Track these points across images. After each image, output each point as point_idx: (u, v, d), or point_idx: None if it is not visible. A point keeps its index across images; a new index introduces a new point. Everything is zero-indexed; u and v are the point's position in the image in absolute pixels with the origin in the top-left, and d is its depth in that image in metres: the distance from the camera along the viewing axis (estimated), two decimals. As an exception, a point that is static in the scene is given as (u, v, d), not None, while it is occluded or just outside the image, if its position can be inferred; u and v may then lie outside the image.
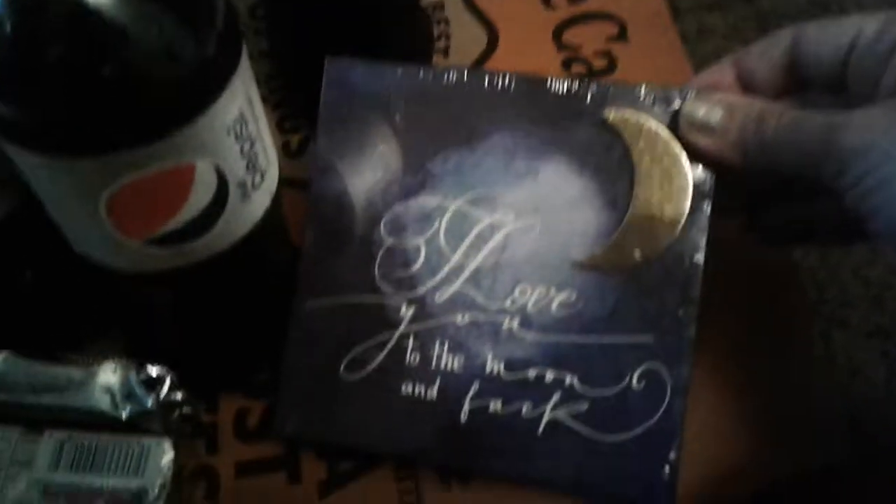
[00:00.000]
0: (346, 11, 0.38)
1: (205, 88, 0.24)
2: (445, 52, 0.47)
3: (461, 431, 0.34)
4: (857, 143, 0.27)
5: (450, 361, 0.34)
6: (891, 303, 0.43)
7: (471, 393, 0.34)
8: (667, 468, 0.33)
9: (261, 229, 0.30)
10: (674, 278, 0.33)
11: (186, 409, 0.34)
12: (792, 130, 0.29)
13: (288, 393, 0.35)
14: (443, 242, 0.34)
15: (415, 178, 0.34)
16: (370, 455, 0.36)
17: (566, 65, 0.47)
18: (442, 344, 0.34)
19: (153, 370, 0.33)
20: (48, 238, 0.29)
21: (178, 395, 0.33)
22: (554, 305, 0.33)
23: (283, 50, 0.43)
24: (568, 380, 0.33)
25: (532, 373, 0.33)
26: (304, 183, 0.41)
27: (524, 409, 0.33)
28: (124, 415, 0.33)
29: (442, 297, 0.34)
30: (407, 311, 0.34)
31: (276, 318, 0.35)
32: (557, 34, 0.47)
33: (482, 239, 0.34)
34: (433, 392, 0.34)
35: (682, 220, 0.32)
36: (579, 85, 0.33)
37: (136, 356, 0.34)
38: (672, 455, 0.33)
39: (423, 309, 0.34)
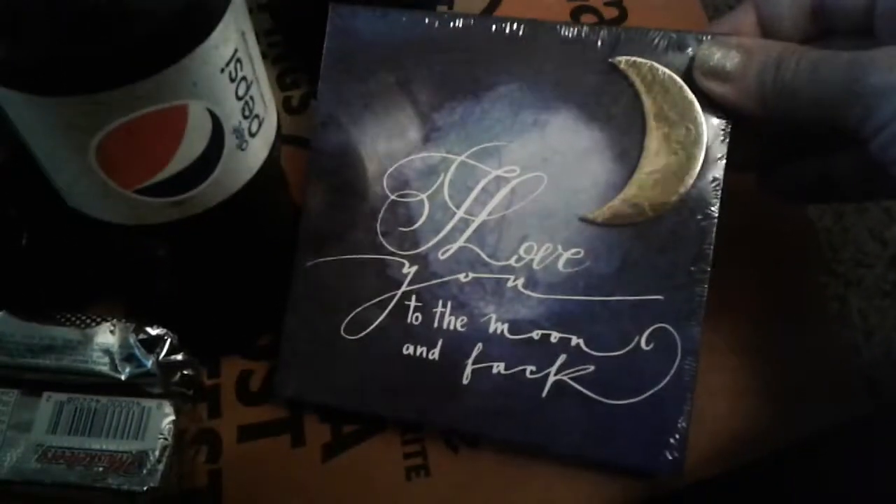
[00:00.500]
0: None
1: (196, 22, 0.24)
2: (450, 4, 0.46)
3: (463, 394, 0.33)
4: (884, 82, 0.25)
5: (452, 322, 0.33)
6: (907, 263, 0.42)
7: (473, 354, 0.33)
8: (676, 435, 0.32)
9: (259, 181, 0.29)
10: (686, 234, 0.31)
11: (187, 371, 0.33)
12: (813, 72, 0.27)
13: (288, 355, 0.34)
14: (447, 197, 0.33)
15: (420, 130, 0.33)
16: (374, 418, 0.35)
17: (575, 15, 0.46)
18: (444, 303, 0.33)
19: (153, 331, 0.33)
20: (42, 196, 0.28)
21: (179, 357, 0.33)
22: (560, 263, 0.32)
23: (282, 2, 0.42)
24: (574, 341, 0.32)
25: (537, 334, 0.32)
26: (305, 140, 0.41)
27: (528, 372, 0.32)
28: (123, 376, 0.32)
29: (446, 254, 0.33)
30: (409, 269, 0.33)
31: (278, 278, 0.35)
32: (566, -17, 0.46)
33: (487, 193, 0.33)
34: (435, 353, 0.33)
35: (696, 173, 0.31)
36: (589, 30, 0.32)
37: (136, 316, 0.33)
38: (681, 422, 0.32)
39: (425, 267, 0.33)
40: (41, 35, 0.22)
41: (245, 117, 0.27)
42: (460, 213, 0.33)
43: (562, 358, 0.32)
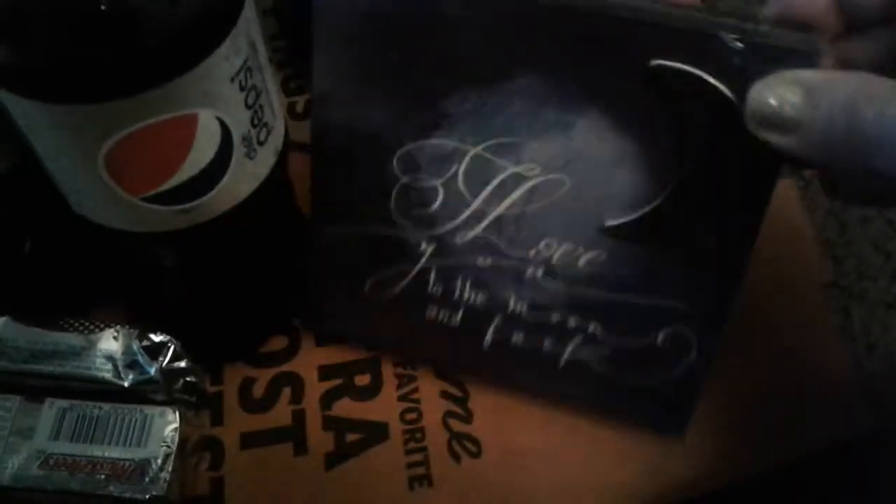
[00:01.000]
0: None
1: (208, 31, 0.24)
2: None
3: (484, 354, 0.34)
4: None
5: (472, 296, 0.33)
6: (910, 276, 0.42)
7: (493, 325, 0.33)
8: (686, 403, 0.33)
9: (266, 189, 0.29)
10: (719, 251, 0.29)
11: (190, 378, 0.33)
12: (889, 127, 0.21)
13: (319, 304, 0.35)
14: (462, 186, 0.31)
15: (427, 115, 0.30)
16: (378, 425, 0.35)
17: None
18: (464, 281, 0.33)
19: (156, 337, 0.32)
20: (48, 201, 0.28)
21: (182, 364, 0.33)
22: (581, 262, 0.31)
23: (287, 7, 0.42)
24: (591, 328, 0.32)
25: (555, 316, 0.32)
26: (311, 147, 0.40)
27: (545, 344, 0.33)
28: (126, 383, 0.32)
29: (463, 238, 0.32)
30: (427, 247, 0.32)
31: (283, 285, 0.34)
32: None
33: (505, 188, 0.30)
34: (456, 319, 0.33)
35: (740, 193, 0.28)
36: (630, 25, 0.26)
37: (139, 322, 0.33)
38: (692, 390, 0.32)
39: (443, 247, 0.32)
40: (52, 43, 0.22)
41: (254, 126, 0.27)
42: (477, 204, 0.31)
43: (578, 339, 0.33)
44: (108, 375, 0.32)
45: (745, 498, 0.33)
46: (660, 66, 0.26)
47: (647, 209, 0.29)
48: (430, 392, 0.36)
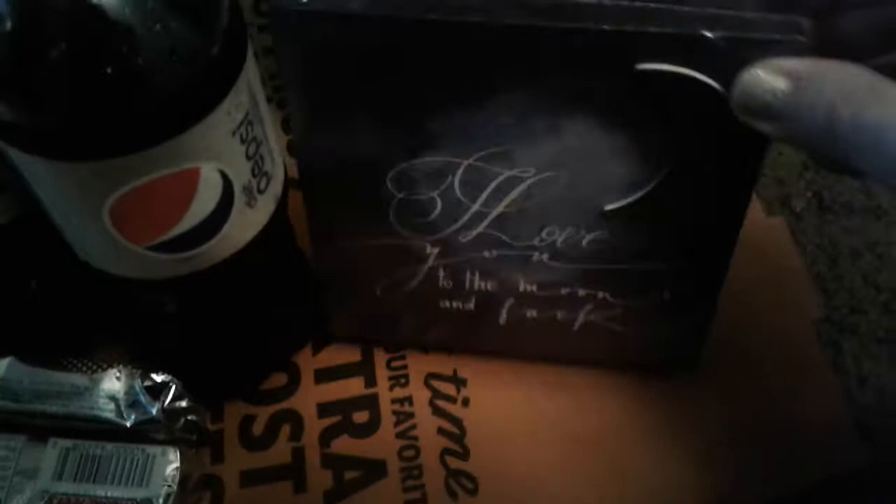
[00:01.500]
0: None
1: (210, 90, 0.24)
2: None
3: (500, 329, 0.35)
4: None
5: (483, 284, 0.34)
6: (901, 309, 0.42)
7: (506, 306, 0.35)
8: (697, 342, 0.35)
9: (266, 235, 0.30)
10: (714, 218, 0.30)
11: (191, 417, 0.33)
12: (874, 135, 0.21)
13: (333, 308, 0.37)
14: (459, 194, 0.31)
15: (416, 137, 0.29)
16: (376, 463, 0.35)
17: None
18: (473, 272, 0.34)
19: (158, 377, 0.33)
20: (52, 244, 0.29)
21: (183, 403, 0.33)
22: (584, 242, 0.32)
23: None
24: (600, 295, 0.34)
25: (565, 291, 0.34)
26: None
27: (559, 315, 0.35)
28: (129, 423, 0.33)
29: (467, 237, 0.32)
30: (433, 250, 0.33)
31: (283, 323, 0.35)
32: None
33: (501, 191, 0.31)
34: (470, 305, 0.35)
35: (727, 170, 0.29)
36: (610, 32, 0.26)
37: (141, 362, 0.33)
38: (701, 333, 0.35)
39: (448, 247, 0.33)
40: (58, 103, 0.23)
41: (254, 175, 0.28)
42: (476, 207, 0.31)
43: (589, 306, 0.34)
44: (111, 415, 0.33)
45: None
46: (646, 69, 0.26)
47: (642, 193, 0.30)
48: (428, 429, 0.36)
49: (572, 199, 0.30)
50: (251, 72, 0.26)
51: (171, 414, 0.33)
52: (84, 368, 0.34)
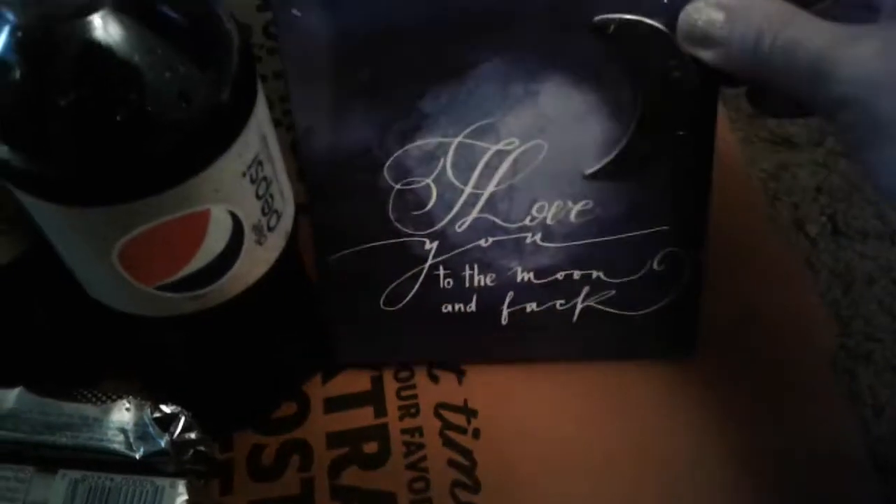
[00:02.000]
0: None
1: (220, 134, 0.24)
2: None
3: (503, 331, 0.36)
4: (842, 94, 0.25)
5: (482, 279, 0.35)
6: (917, 336, 0.42)
7: (507, 301, 0.36)
8: (689, 322, 0.36)
9: (276, 271, 0.30)
10: (686, 170, 0.33)
11: (201, 448, 0.33)
12: (788, 55, 0.26)
13: (335, 328, 0.37)
14: (452, 177, 0.33)
15: (407, 120, 0.32)
16: (386, 495, 0.35)
17: None
18: (471, 266, 0.35)
19: (167, 409, 0.33)
20: (63, 277, 0.29)
21: (193, 435, 0.33)
22: (572, 215, 0.34)
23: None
24: (595, 275, 0.35)
25: (561, 275, 0.35)
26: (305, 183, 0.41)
27: (558, 305, 0.36)
28: (138, 455, 0.32)
29: (462, 226, 0.34)
30: (431, 246, 0.34)
31: (294, 354, 0.35)
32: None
33: (491, 167, 0.33)
34: (472, 306, 0.36)
35: (689, 114, 0.31)
36: None
37: (150, 392, 0.33)
38: (694, 312, 0.36)
39: (445, 241, 0.34)
40: (68, 150, 0.22)
41: (264, 214, 0.28)
42: (468, 189, 0.33)
43: (586, 289, 0.35)
44: (120, 447, 0.33)
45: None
46: (602, 19, 0.30)
47: (618, 150, 0.32)
48: (438, 461, 0.36)
49: (556, 168, 0.33)
50: (261, 112, 0.26)
51: (180, 446, 0.33)
52: (94, 399, 0.33)
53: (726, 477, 0.35)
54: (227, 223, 0.26)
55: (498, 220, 0.34)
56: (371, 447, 0.36)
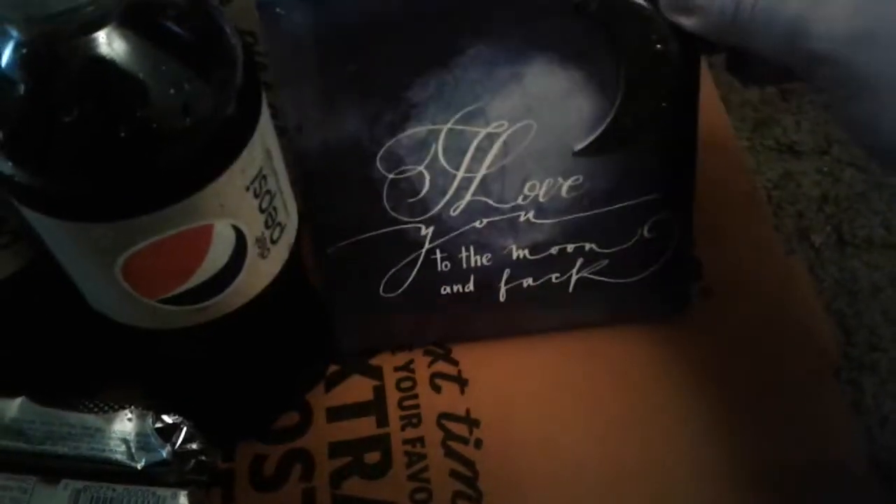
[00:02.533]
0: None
1: (224, 149, 0.24)
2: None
3: (501, 307, 0.37)
4: (821, 51, 0.25)
5: (479, 259, 0.36)
6: (921, 347, 0.42)
7: (504, 278, 0.36)
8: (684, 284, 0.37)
9: (280, 282, 0.29)
10: (671, 141, 0.33)
11: (202, 458, 0.33)
12: (766, 19, 0.27)
13: (338, 320, 0.37)
14: (444, 163, 0.33)
15: (396, 111, 0.32)
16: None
17: None
18: (468, 248, 0.35)
19: (169, 419, 0.33)
20: (64, 290, 0.29)
21: (194, 445, 0.33)
22: (563, 191, 0.34)
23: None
24: (588, 247, 0.36)
25: (555, 249, 0.36)
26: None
27: (553, 278, 0.37)
28: (140, 465, 0.32)
29: (457, 210, 0.34)
30: (427, 231, 0.35)
31: (296, 364, 0.35)
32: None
33: (482, 151, 0.33)
34: (470, 286, 0.36)
35: (671, 87, 0.32)
36: None
37: (152, 402, 0.33)
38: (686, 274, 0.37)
39: (441, 225, 0.35)
40: (70, 165, 0.22)
41: (267, 227, 0.27)
42: (461, 174, 0.34)
43: (580, 261, 0.36)
44: (122, 457, 0.32)
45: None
46: None
47: (605, 125, 0.33)
48: (441, 471, 0.36)
49: (545, 147, 0.33)
50: (265, 126, 0.26)
51: (181, 456, 0.33)
52: (96, 409, 0.33)
53: (728, 487, 0.35)
54: (231, 237, 0.26)
55: (491, 202, 0.34)
56: (373, 457, 0.36)
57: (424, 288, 0.36)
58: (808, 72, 0.26)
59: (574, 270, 0.36)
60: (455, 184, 0.34)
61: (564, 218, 0.35)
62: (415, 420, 0.37)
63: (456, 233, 0.35)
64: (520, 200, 0.34)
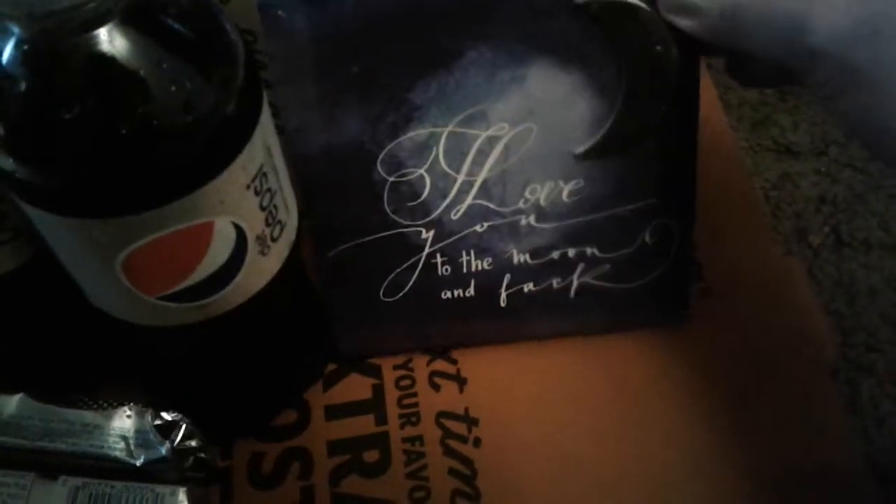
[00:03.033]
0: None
1: (225, 146, 0.24)
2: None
3: (502, 313, 0.37)
4: (818, 46, 0.25)
5: (479, 264, 0.36)
6: (919, 347, 0.42)
7: (504, 283, 0.36)
8: (684, 289, 0.37)
9: (280, 280, 0.29)
10: (672, 145, 0.33)
11: (201, 455, 0.33)
12: (762, 18, 0.27)
13: (337, 323, 0.37)
14: (444, 166, 0.33)
15: (398, 113, 0.32)
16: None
17: None
18: (468, 252, 0.35)
19: (168, 416, 0.33)
20: (65, 285, 0.29)
21: (193, 442, 0.33)
22: (564, 195, 0.34)
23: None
24: (589, 252, 0.36)
25: (556, 254, 0.36)
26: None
27: (555, 283, 0.36)
28: (138, 462, 0.32)
29: (457, 214, 0.34)
30: (427, 234, 0.35)
31: (296, 362, 0.35)
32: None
33: (483, 154, 0.33)
34: (470, 291, 0.36)
35: (672, 91, 0.32)
36: None
37: (151, 399, 0.33)
38: (685, 280, 0.37)
39: (442, 229, 0.35)
40: (73, 163, 0.22)
41: (268, 225, 0.28)
42: (461, 177, 0.34)
43: (581, 266, 0.36)
44: (121, 454, 0.32)
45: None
46: (584, 1, 0.30)
47: (605, 128, 0.33)
48: (439, 470, 0.36)
49: (547, 151, 0.33)
50: (266, 124, 0.26)
51: (180, 453, 0.33)
52: (94, 406, 0.33)
53: (726, 487, 0.35)
54: (231, 234, 0.26)
55: (492, 205, 0.34)
56: (372, 455, 0.36)
57: (425, 292, 0.36)
58: (806, 68, 0.26)
59: (575, 275, 0.36)
60: (456, 187, 0.34)
61: (565, 222, 0.35)
62: (413, 418, 0.37)
63: (456, 237, 0.35)
64: (521, 204, 0.34)
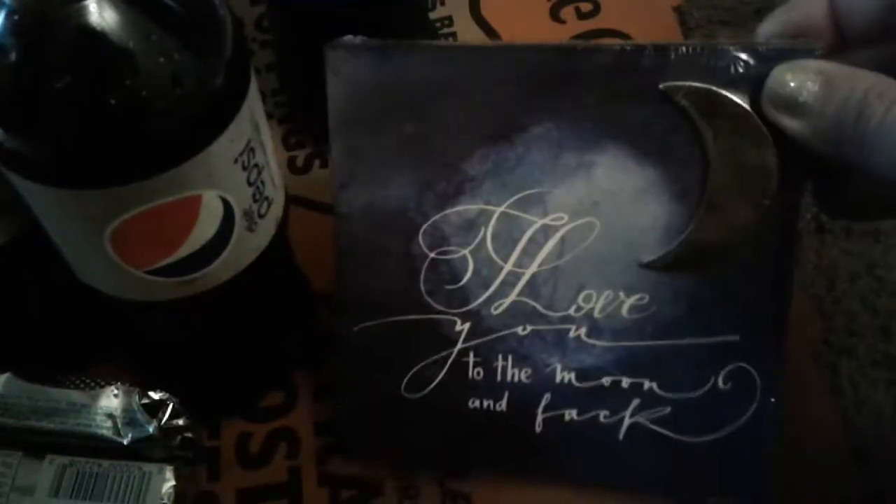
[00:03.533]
0: (353, 25, 0.37)
1: (213, 119, 0.24)
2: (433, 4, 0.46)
3: (537, 441, 0.32)
4: None
5: (516, 374, 0.31)
6: (898, 332, 0.42)
7: (542, 404, 0.32)
8: (756, 471, 0.31)
9: (267, 257, 0.30)
10: (760, 271, 0.29)
11: (188, 435, 0.33)
12: (893, 135, 0.22)
13: (350, 415, 0.34)
14: (491, 251, 0.30)
15: (450, 182, 0.30)
16: (371, 484, 0.35)
17: (555, 10, 0.46)
18: (505, 357, 0.31)
19: (155, 395, 0.33)
20: (52, 262, 0.29)
21: (180, 421, 0.33)
22: (624, 310, 0.30)
23: (289, 64, 0.43)
24: (646, 385, 0.31)
25: (607, 380, 0.31)
26: (310, 201, 0.41)
27: (601, 417, 0.31)
28: (125, 441, 0.33)
29: (498, 309, 0.31)
30: (462, 327, 0.31)
31: (283, 343, 0.35)
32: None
33: (535, 244, 0.30)
34: (502, 405, 0.32)
35: (767, 207, 0.28)
36: (632, 53, 0.27)
37: (139, 378, 0.33)
38: (762, 458, 0.31)
39: (479, 323, 0.31)
40: (61, 133, 0.23)
41: (255, 201, 0.28)
42: (508, 267, 0.30)
43: (636, 402, 0.31)
44: (108, 433, 0.33)
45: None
46: (669, 86, 0.27)
47: (681, 237, 0.29)
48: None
49: (608, 253, 0.29)
50: (253, 99, 0.26)
51: (167, 432, 0.33)
52: (82, 385, 0.33)
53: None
54: (219, 209, 0.26)
55: (539, 307, 0.30)
56: (358, 436, 0.36)
57: (451, 395, 0.32)
58: None
59: (628, 412, 0.31)
60: (500, 277, 0.30)
61: (622, 343, 0.30)
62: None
63: (494, 335, 0.31)
64: (571, 311, 0.30)
